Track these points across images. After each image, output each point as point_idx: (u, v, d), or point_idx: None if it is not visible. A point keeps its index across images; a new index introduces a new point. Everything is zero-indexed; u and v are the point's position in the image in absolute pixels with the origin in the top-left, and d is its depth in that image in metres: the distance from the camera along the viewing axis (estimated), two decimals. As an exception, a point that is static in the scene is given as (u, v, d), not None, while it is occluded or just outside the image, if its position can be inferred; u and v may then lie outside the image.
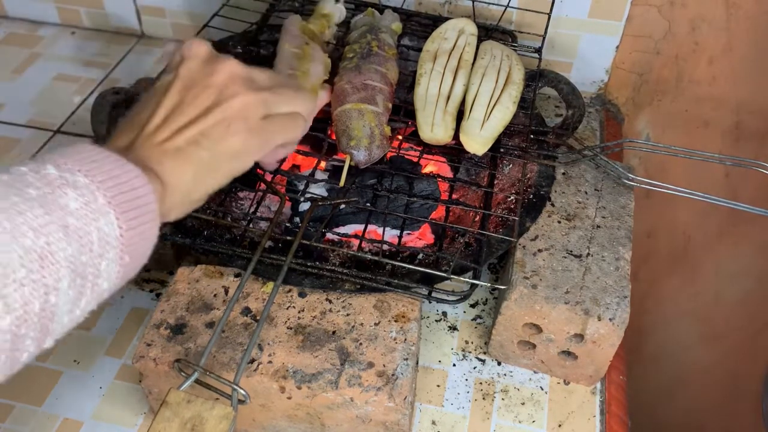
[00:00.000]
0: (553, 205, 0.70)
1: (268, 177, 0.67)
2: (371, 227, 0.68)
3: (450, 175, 0.76)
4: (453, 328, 0.72)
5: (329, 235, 0.68)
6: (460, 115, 0.70)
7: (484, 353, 0.69)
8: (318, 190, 0.70)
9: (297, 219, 0.69)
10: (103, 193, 0.38)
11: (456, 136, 0.69)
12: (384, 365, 0.57)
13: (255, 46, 0.82)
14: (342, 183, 0.65)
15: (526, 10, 0.87)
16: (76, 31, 1.10)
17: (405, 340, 0.59)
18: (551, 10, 0.85)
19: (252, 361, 0.57)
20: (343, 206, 0.68)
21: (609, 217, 0.69)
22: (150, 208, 0.41)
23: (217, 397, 0.48)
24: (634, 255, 0.66)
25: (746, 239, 1.04)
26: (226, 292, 0.62)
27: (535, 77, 0.77)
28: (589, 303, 0.61)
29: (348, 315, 0.61)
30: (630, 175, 0.72)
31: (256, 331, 0.51)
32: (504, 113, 0.69)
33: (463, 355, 0.69)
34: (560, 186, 0.72)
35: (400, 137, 0.73)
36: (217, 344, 0.58)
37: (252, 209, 0.67)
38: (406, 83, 0.76)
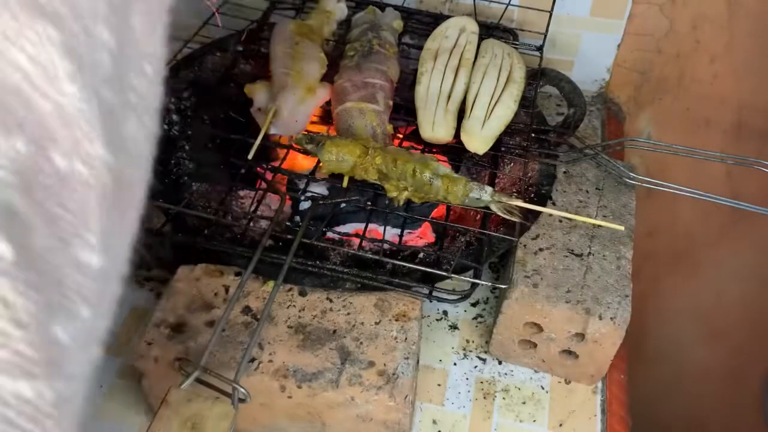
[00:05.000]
0: (554, 203, 0.70)
1: (269, 176, 0.67)
2: (372, 226, 0.68)
3: (451, 173, 0.76)
4: (454, 327, 0.71)
5: (330, 234, 0.68)
6: (461, 114, 0.70)
7: (485, 352, 0.69)
8: (319, 188, 0.70)
9: (297, 218, 0.69)
10: None
11: (457, 135, 0.69)
12: (385, 364, 0.57)
13: (256, 44, 0.82)
14: (344, 182, 0.65)
15: (528, 8, 0.87)
16: (77, 29, 1.10)
17: (406, 339, 0.59)
18: (552, 8, 0.84)
19: (252, 360, 0.57)
20: (343, 205, 0.68)
21: (610, 215, 0.69)
22: None
23: (217, 396, 0.48)
24: (636, 254, 0.66)
25: (747, 238, 1.03)
26: (227, 290, 0.62)
27: (537, 76, 0.77)
28: (590, 302, 0.60)
29: (349, 314, 0.61)
30: (631, 173, 0.72)
31: (256, 330, 0.51)
32: (505, 112, 0.69)
33: (464, 354, 0.69)
34: (561, 185, 0.72)
35: (401, 136, 0.73)
36: (218, 343, 0.58)
37: (252, 208, 0.67)
38: (407, 82, 0.75)
